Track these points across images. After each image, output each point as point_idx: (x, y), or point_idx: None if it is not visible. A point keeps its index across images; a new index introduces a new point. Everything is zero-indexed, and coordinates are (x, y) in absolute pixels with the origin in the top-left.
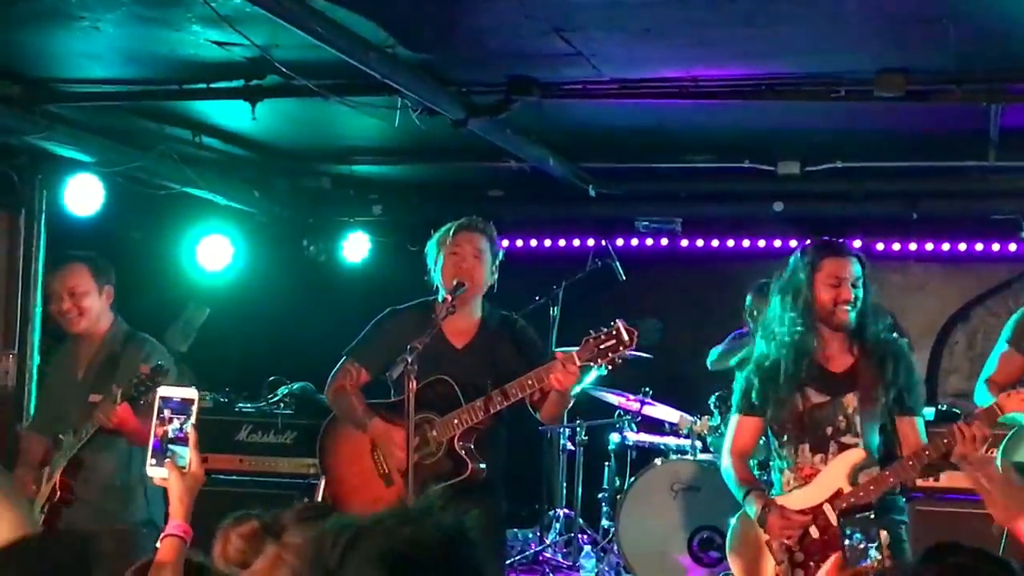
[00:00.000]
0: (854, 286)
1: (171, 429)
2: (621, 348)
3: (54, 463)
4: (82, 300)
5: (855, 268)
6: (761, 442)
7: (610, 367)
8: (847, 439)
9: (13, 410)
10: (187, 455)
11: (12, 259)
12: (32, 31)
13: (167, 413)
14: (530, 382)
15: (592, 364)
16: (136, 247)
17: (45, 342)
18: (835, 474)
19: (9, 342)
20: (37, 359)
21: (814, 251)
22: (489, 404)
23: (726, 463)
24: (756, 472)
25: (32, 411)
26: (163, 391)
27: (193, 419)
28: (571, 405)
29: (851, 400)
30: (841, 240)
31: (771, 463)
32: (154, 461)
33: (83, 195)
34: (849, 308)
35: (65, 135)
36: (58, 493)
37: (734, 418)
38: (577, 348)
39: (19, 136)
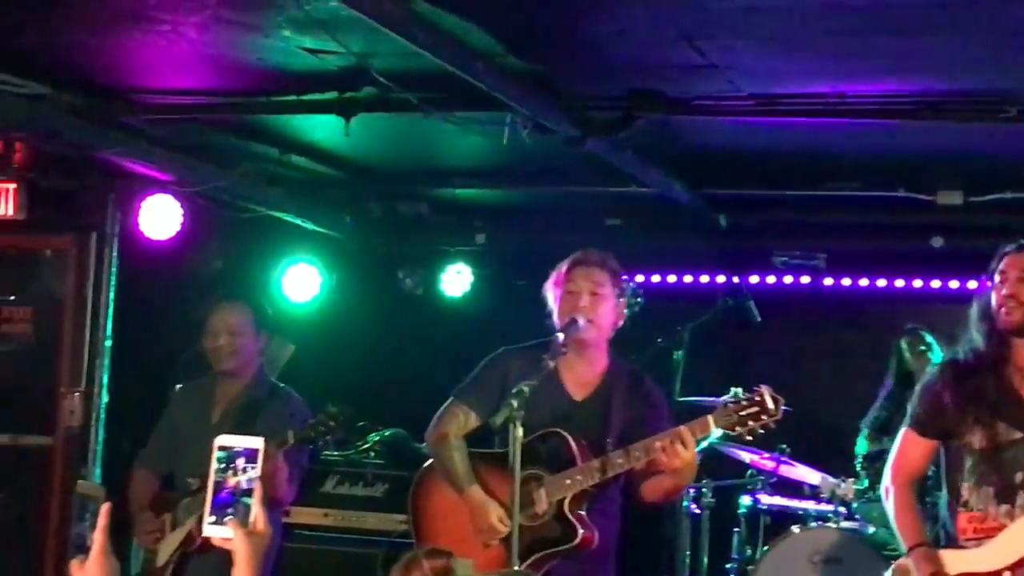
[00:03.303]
0: (1022, 281)
1: (244, 480)
2: (764, 418)
3: (184, 507)
4: (238, 339)
5: None
6: None
7: (750, 438)
8: None
9: (78, 453)
10: (254, 511)
11: (80, 287)
12: (106, 36)
13: (240, 462)
14: (658, 444)
15: (728, 431)
16: (216, 275)
17: (116, 379)
18: (1022, 536)
19: (75, 379)
20: (106, 397)
21: (1002, 250)
22: (607, 466)
23: (888, 489)
24: None
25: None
26: (222, 440)
27: (259, 471)
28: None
29: None
30: None
31: (943, 497)
32: (213, 519)
33: (159, 217)
34: (1013, 306)
35: (141, 151)
36: (197, 541)
37: (903, 432)
38: (712, 414)
39: (90, 151)
